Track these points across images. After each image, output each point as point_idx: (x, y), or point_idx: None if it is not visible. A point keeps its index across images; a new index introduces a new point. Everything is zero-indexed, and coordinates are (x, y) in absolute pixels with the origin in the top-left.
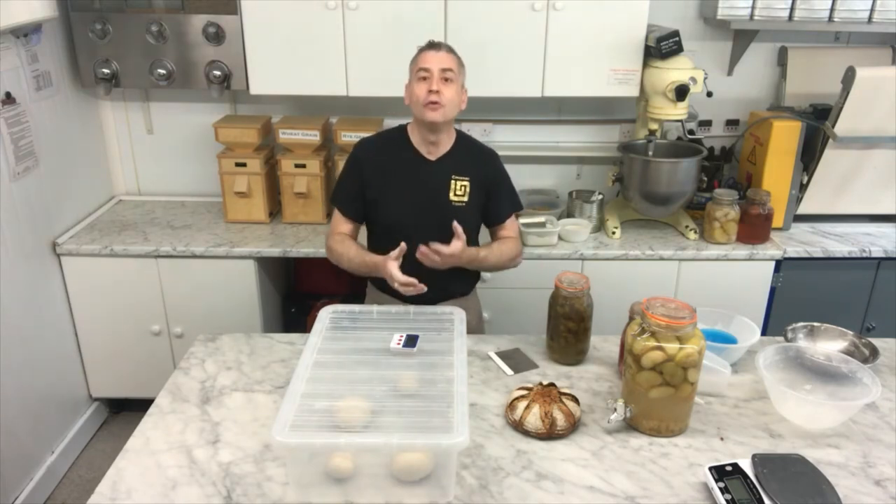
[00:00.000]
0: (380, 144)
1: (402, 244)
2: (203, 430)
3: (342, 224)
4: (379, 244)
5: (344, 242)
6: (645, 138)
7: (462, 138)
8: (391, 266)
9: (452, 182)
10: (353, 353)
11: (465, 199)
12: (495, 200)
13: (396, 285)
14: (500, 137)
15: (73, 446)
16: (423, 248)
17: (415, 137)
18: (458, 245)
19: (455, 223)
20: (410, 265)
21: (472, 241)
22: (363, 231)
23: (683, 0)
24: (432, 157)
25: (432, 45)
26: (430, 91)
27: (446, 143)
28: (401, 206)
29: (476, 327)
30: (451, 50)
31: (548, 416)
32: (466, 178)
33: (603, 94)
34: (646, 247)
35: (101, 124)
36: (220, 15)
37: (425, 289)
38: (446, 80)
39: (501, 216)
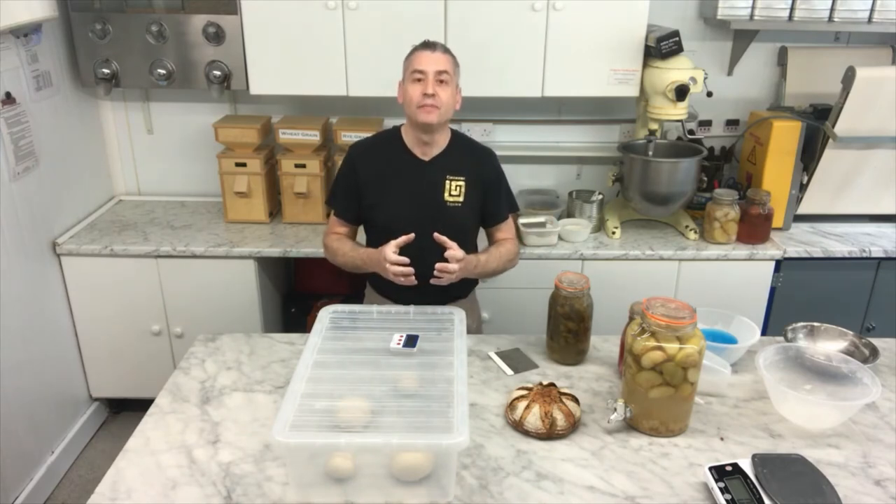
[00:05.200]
0: (374, 146)
1: (411, 235)
2: (203, 430)
3: (338, 226)
4: (377, 246)
5: (341, 240)
6: (645, 138)
7: (457, 137)
8: (387, 247)
9: (447, 182)
10: (353, 353)
11: (461, 199)
12: (492, 200)
13: (387, 265)
14: (500, 137)
15: (73, 446)
16: (436, 268)
17: (408, 138)
18: (458, 249)
19: (436, 234)
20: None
21: (470, 241)
22: (361, 234)
23: (683, 0)
24: (426, 158)
25: (427, 45)
26: (425, 94)
27: (440, 143)
28: (396, 207)
29: (475, 331)
30: (446, 50)
31: (548, 416)
32: (462, 178)
33: (603, 94)
34: (646, 247)
35: (101, 124)
36: (220, 15)
37: (414, 281)
38: (441, 82)
39: (499, 216)
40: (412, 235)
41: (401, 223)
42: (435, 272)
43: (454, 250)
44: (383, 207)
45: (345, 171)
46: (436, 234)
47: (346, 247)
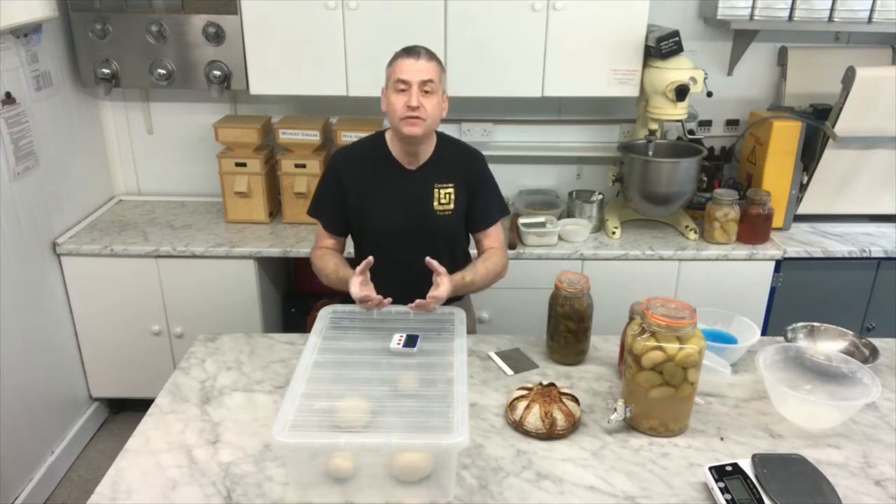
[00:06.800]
0: (358, 154)
1: (370, 258)
2: (203, 430)
3: (324, 238)
4: (367, 256)
5: (324, 258)
6: (645, 138)
7: (444, 142)
8: (352, 282)
9: (435, 191)
10: (353, 353)
11: (451, 206)
12: (480, 203)
13: (357, 303)
14: (500, 137)
15: (73, 446)
16: (416, 303)
17: (393, 147)
18: (444, 284)
19: (428, 259)
20: (395, 276)
21: (460, 250)
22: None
23: (683, 0)
24: (412, 167)
25: (410, 52)
26: (410, 107)
27: (426, 151)
28: (384, 218)
29: (469, 331)
30: (431, 57)
31: (548, 416)
32: (451, 185)
33: (603, 94)
34: (646, 247)
35: (101, 124)
36: (220, 15)
37: (388, 303)
38: (426, 92)
39: (486, 221)
40: (371, 259)
41: (390, 234)
42: (414, 304)
43: (438, 290)
44: (371, 218)
45: (328, 182)
46: (427, 260)
47: (328, 268)
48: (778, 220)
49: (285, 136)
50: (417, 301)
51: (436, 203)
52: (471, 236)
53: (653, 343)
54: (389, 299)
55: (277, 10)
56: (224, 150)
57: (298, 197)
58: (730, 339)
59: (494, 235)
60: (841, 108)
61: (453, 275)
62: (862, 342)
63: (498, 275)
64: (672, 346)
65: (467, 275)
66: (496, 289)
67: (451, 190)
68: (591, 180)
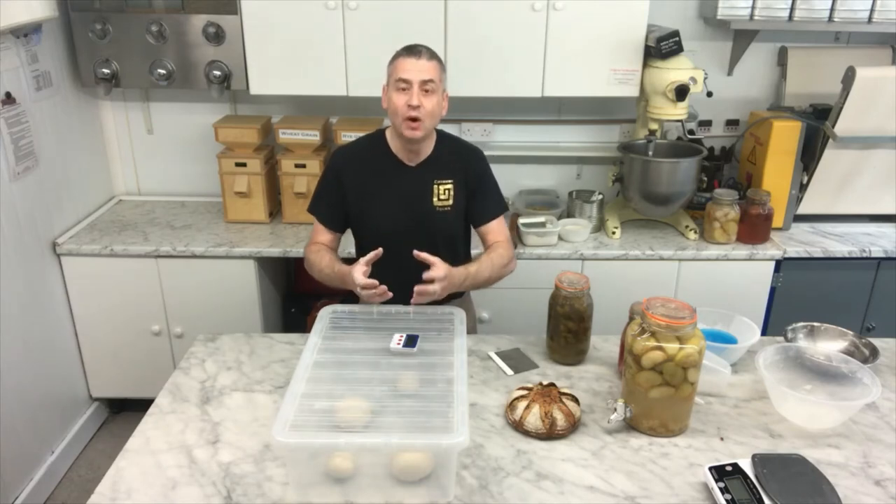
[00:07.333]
0: (358, 152)
1: (379, 249)
2: (203, 430)
3: (321, 234)
4: (366, 252)
5: (319, 252)
6: (645, 138)
7: (444, 139)
8: (355, 269)
9: (435, 187)
10: (353, 353)
11: (450, 202)
12: (480, 199)
13: (358, 290)
14: (500, 137)
15: (73, 446)
16: (416, 289)
17: (394, 144)
18: (439, 264)
19: (416, 252)
20: (396, 275)
21: (461, 247)
22: (351, 242)
23: (683, 0)
24: (412, 163)
25: (412, 52)
26: (410, 106)
27: (426, 148)
28: (384, 215)
29: (470, 330)
30: (431, 56)
31: (548, 416)
32: (450, 181)
33: (603, 94)
34: (646, 247)
35: (101, 124)
36: (220, 15)
37: (390, 295)
38: (427, 91)
39: (487, 215)
40: (380, 251)
41: (389, 231)
42: (414, 294)
43: (434, 270)
44: (371, 215)
45: (328, 179)
46: (416, 252)
47: (323, 262)
48: (778, 220)
49: (285, 136)
50: (417, 288)
51: (435, 199)
52: (475, 235)
53: (653, 343)
54: (391, 294)
55: (277, 10)
56: (224, 150)
57: (298, 197)
58: (730, 339)
59: (498, 230)
60: (841, 108)
61: (458, 268)
62: (862, 342)
63: (504, 266)
64: (672, 346)
65: (472, 266)
66: (496, 289)
67: (450, 186)
68: (591, 180)
